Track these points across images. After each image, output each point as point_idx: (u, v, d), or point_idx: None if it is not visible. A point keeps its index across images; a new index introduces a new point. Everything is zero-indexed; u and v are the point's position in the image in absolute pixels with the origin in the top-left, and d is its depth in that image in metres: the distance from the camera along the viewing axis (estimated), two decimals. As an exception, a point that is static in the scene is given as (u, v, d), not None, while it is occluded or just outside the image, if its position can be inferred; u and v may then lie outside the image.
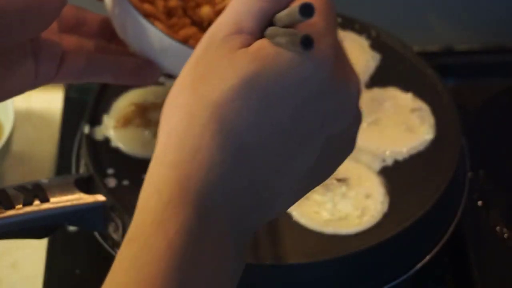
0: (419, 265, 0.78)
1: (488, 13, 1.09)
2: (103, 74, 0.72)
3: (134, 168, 0.80)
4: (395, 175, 0.80)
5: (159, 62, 0.71)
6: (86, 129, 0.84)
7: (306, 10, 0.46)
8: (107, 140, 0.83)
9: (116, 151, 0.82)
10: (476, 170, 0.91)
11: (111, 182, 0.79)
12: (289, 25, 0.49)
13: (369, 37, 0.93)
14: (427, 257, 0.79)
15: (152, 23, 0.69)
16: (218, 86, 0.48)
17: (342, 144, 0.52)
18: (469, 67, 1.07)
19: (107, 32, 0.75)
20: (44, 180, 0.75)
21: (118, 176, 0.80)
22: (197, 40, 0.72)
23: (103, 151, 0.82)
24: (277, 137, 0.49)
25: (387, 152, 0.82)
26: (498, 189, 0.91)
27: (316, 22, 0.49)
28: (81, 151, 0.85)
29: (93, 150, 0.82)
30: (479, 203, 0.90)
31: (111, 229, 0.77)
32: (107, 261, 0.83)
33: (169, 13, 0.75)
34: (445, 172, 0.80)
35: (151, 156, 0.82)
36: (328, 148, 0.51)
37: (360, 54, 0.91)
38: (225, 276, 0.49)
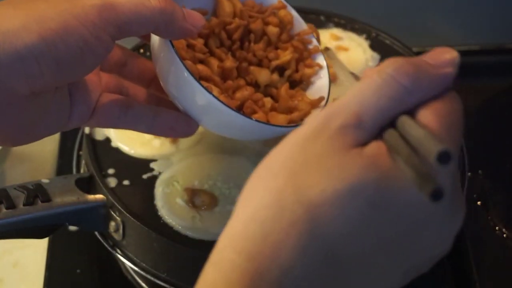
0: (418, 265, 0.78)
1: (488, 13, 1.09)
2: (137, 124, 0.68)
3: (135, 168, 0.80)
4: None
5: (201, 121, 0.68)
6: (87, 129, 0.84)
7: (443, 158, 0.43)
8: (107, 140, 0.83)
9: (117, 151, 0.82)
10: (475, 170, 0.91)
11: (112, 182, 0.79)
12: (412, 144, 0.45)
13: (369, 37, 0.93)
14: (427, 257, 0.79)
15: (207, 89, 0.64)
16: (321, 184, 0.45)
17: (423, 267, 0.50)
18: (468, 67, 1.07)
19: (147, 77, 0.72)
20: (45, 180, 0.75)
21: (118, 176, 0.80)
22: (253, 100, 0.70)
23: (103, 151, 0.82)
24: (368, 258, 0.45)
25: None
26: (497, 189, 0.91)
27: (442, 137, 0.46)
28: (82, 151, 0.85)
29: (94, 150, 0.82)
30: (479, 203, 0.90)
31: (111, 228, 0.77)
32: (107, 260, 0.83)
33: (223, 74, 0.71)
34: (444, 172, 0.80)
35: (152, 155, 0.82)
36: (411, 271, 0.49)
37: (360, 54, 0.91)
38: None
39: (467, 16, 1.09)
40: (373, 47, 0.92)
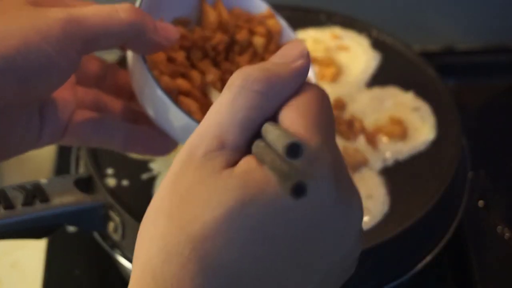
0: (420, 265, 0.78)
1: (489, 13, 1.09)
2: (112, 141, 0.66)
3: (134, 168, 0.80)
4: (396, 175, 0.80)
5: (178, 139, 0.65)
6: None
7: (293, 152, 0.41)
8: (106, 140, 0.83)
9: (116, 151, 0.82)
10: (477, 170, 0.91)
11: (111, 182, 0.79)
12: (274, 148, 0.44)
13: (369, 36, 0.93)
14: (428, 257, 0.79)
15: (181, 107, 0.62)
16: (200, 217, 0.43)
17: (342, 270, 0.48)
18: (469, 67, 1.07)
19: (128, 90, 0.70)
20: (43, 180, 0.75)
21: (117, 176, 0.79)
22: None
23: (102, 151, 0.82)
24: (268, 276, 0.43)
25: (388, 152, 0.82)
26: (499, 189, 0.91)
27: (310, 138, 0.44)
28: (81, 151, 0.85)
29: (93, 150, 0.82)
30: (480, 203, 0.90)
31: (110, 229, 0.77)
32: (106, 261, 0.83)
33: (206, 88, 0.68)
34: (445, 172, 0.80)
35: (151, 156, 0.82)
36: (327, 277, 0.46)
37: (361, 54, 0.91)
38: None
39: (468, 15, 1.09)
40: (373, 46, 0.92)
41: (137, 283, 0.44)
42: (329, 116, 0.47)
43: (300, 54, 0.49)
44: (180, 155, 0.46)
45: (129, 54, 0.65)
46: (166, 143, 0.67)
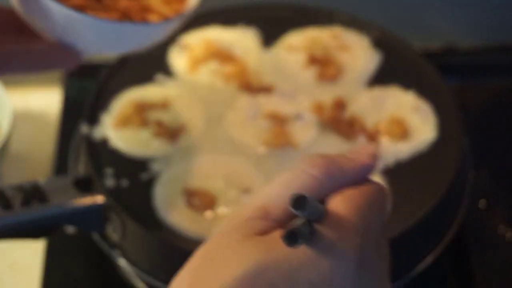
0: (421, 265, 0.78)
1: (491, 12, 1.09)
2: (10, 63, 0.66)
3: (133, 168, 0.80)
4: (397, 175, 0.80)
5: (76, 44, 0.67)
6: (85, 129, 0.83)
7: (297, 203, 0.43)
8: (105, 140, 0.83)
9: (115, 151, 0.82)
10: (478, 169, 0.90)
11: (110, 182, 0.79)
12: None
13: (370, 36, 0.93)
14: (429, 257, 0.79)
15: (58, 2, 0.64)
16: (221, 276, 0.44)
17: None
18: (471, 67, 1.07)
19: (16, 24, 0.70)
20: (42, 180, 0.75)
21: (117, 176, 0.79)
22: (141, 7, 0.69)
23: (101, 151, 0.82)
24: None
25: (389, 152, 0.82)
26: (500, 189, 0.91)
27: (344, 215, 0.46)
28: (80, 151, 0.85)
29: (92, 150, 0.82)
30: (481, 203, 0.90)
31: (109, 229, 0.77)
32: (105, 261, 0.83)
33: None
34: (447, 171, 0.80)
35: (151, 155, 0.82)
36: None
37: (361, 53, 0.91)
38: None
39: (470, 15, 1.09)
40: (374, 45, 0.92)
41: None
42: (378, 210, 0.48)
43: (371, 155, 0.50)
44: (223, 223, 0.48)
45: None
46: (67, 54, 0.68)
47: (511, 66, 1.07)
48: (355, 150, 0.51)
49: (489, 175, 0.92)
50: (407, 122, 0.84)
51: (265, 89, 0.87)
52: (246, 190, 0.77)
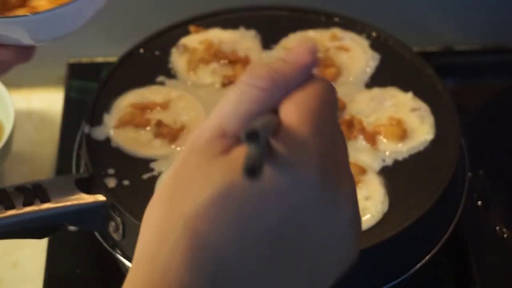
0: (418, 265, 0.78)
1: (488, 13, 1.09)
2: None
3: (134, 168, 0.80)
4: (395, 175, 0.80)
5: (8, 42, 0.72)
6: (87, 129, 0.84)
7: (250, 137, 0.44)
8: (107, 140, 0.83)
9: (117, 151, 0.82)
10: (475, 170, 0.91)
11: (111, 182, 0.79)
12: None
13: (369, 37, 0.93)
14: (427, 257, 0.79)
15: None
16: (192, 197, 0.45)
17: (337, 260, 0.49)
18: (468, 67, 1.07)
19: None
20: (44, 180, 0.75)
21: (118, 176, 0.79)
22: None
23: (103, 151, 0.82)
24: (258, 255, 0.45)
25: (387, 152, 0.82)
26: (497, 189, 0.91)
27: (299, 130, 0.47)
28: (82, 151, 0.85)
29: (93, 150, 0.82)
30: (479, 203, 0.90)
31: (111, 229, 0.77)
32: (107, 261, 0.83)
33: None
34: (444, 172, 0.80)
35: (152, 155, 0.82)
36: (318, 265, 0.47)
37: (360, 54, 0.91)
38: None
39: (467, 16, 1.09)
40: (373, 47, 0.92)
41: (138, 263, 0.47)
42: (330, 106, 0.49)
43: (307, 51, 0.51)
44: (184, 148, 0.48)
45: None
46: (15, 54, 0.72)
47: (508, 67, 1.07)
48: (292, 52, 0.51)
49: (486, 176, 0.92)
50: (406, 123, 0.84)
51: (265, 90, 0.87)
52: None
